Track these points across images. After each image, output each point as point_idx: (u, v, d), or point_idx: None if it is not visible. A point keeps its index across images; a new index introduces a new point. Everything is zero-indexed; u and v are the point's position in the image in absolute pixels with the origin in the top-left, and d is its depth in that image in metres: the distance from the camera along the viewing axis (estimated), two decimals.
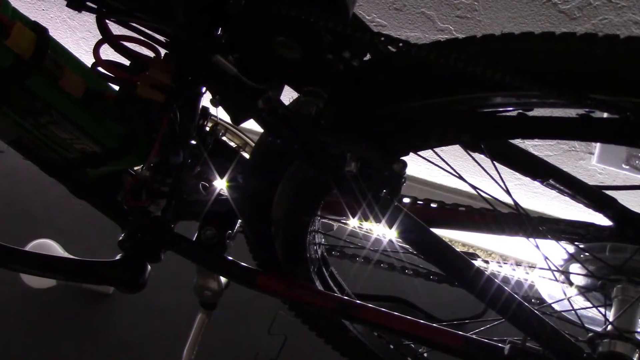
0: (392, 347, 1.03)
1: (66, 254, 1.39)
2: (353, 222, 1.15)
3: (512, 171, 0.78)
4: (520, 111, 0.59)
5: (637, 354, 0.74)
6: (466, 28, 1.12)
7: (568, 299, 0.89)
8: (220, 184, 0.86)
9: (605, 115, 0.56)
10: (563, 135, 0.63)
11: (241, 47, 0.63)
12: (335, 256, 1.00)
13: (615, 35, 0.49)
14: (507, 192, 0.71)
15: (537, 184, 0.79)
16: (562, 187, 0.78)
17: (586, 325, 0.85)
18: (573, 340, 0.73)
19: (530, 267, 1.11)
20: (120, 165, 0.83)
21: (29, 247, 1.36)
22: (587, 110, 0.55)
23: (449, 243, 0.72)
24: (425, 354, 1.05)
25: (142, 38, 0.70)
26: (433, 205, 0.86)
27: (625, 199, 0.80)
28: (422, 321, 0.81)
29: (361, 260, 1.02)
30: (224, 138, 0.87)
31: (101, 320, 1.48)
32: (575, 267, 0.87)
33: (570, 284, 0.88)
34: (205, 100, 0.75)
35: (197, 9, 0.61)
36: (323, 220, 0.89)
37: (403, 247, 0.94)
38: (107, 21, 0.69)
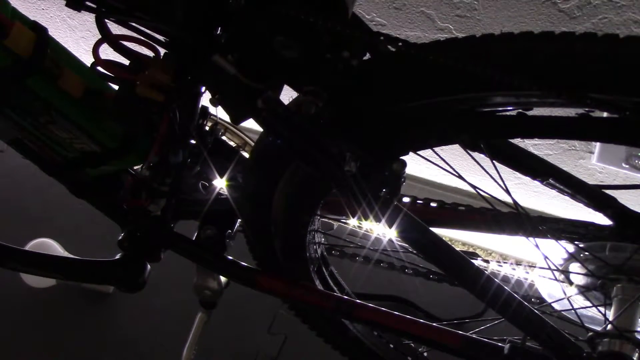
0: (392, 346, 1.03)
1: (66, 253, 1.39)
2: (353, 222, 1.15)
3: (511, 170, 0.78)
4: (520, 110, 0.59)
5: (637, 353, 0.74)
6: (466, 27, 1.12)
7: (568, 299, 0.89)
8: (220, 184, 0.86)
9: (604, 114, 0.56)
10: (563, 134, 0.63)
11: (240, 46, 0.63)
12: (335, 255, 1.00)
13: (614, 34, 0.49)
14: (507, 191, 0.71)
15: (537, 183, 0.79)
16: (562, 186, 0.78)
17: (586, 324, 0.85)
18: (573, 340, 0.73)
19: (530, 266, 1.11)
20: (119, 165, 0.83)
21: (29, 246, 1.36)
22: (586, 109, 0.55)
23: (449, 242, 0.72)
24: (425, 354, 1.05)
25: (142, 38, 0.70)
26: (433, 204, 0.86)
27: (625, 198, 0.80)
28: (422, 320, 0.81)
29: (361, 259, 1.02)
30: (223, 137, 0.87)
31: (101, 320, 1.48)
32: (575, 267, 0.86)
33: (570, 283, 0.88)
34: (205, 99, 0.74)
35: (196, 8, 0.61)
36: (323, 219, 0.89)
37: (403, 246, 0.94)
38: (106, 21, 0.69)
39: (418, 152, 0.68)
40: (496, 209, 0.80)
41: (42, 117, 0.73)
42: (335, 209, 0.86)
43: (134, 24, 0.68)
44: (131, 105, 0.72)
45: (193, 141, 0.82)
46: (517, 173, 0.78)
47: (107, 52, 0.70)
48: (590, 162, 1.25)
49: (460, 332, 0.80)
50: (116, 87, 0.73)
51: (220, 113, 0.73)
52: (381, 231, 1.03)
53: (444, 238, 0.71)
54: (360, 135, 0.64)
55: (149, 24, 0.67)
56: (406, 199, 0.87)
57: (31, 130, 0.75)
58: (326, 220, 0.90)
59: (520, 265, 1.27)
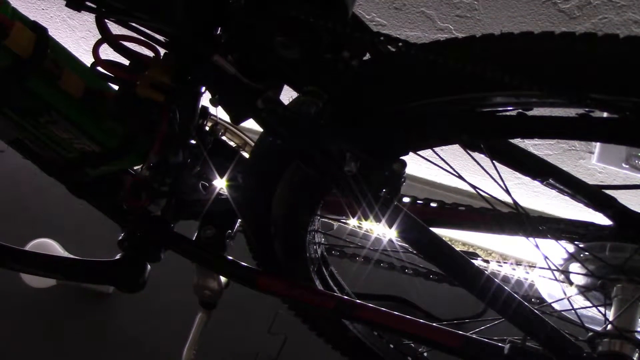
0: (392, 346, 1.03)
1: (66, 254, 1.39)
2: (353, 222, 1.15)
3: (512, 170, 0.78)
4: (520, 111, 0.59)
5: (637, 354, 0.74)
6: (466, 27, 1.12)
7: (568, 299, 0.89)
8: (220, 184, 0.86)
9: (604, 114, 0.56)
10: (563, 134, 0.63)
11: (241, 46, 0.63)
12: (335, 255, 1.00)
13: (614, 34, 0.49)
14: (507, 191, 0.71)
15: (537, 183, 0.79)
16: (562, 187, 0.78)
17: (586, 324, 0.85)
18: (573, 340, 0.73)
19: (530, 266, 1.11)
20: (120, 165, 0.83)
21: (29, 246, 1.36)
22: (586, 109, 0.55)
23: (449, 242, 0.72)
24: (425, 354, 1.05)
25: (142, 38, 0.70)
26: (433, 204, 0.86)
27: (625, 198, 0.80)
28: (421, 321, 0.81)
29: (361, 259, 1.01)
30: (223, 137, 0.87)
31: (101, 320, 1.48)
32: (575, 267, 0.86)
33: (570, 283, 0.88)
34: (205, 99, 0.74)
35: (196, 8, 0.61)
36: (323, 219, 0.89)
37: (403, 246, 0.94)
38: (106, 21, 0.69)
39: (418, 152, 0.68)
40: (496, 209, 0.80)
41: (42, 117, 0.73)
42: (335, 209, 0.86)
43: (134, 24, 0.68)
44: (131, 105, 0.72)
45: (193, 141, 0.82)
46: (517, 173, 0.78)
47: (107, 52, 0.71)
48: (590, 162, 1.25)
49: (460, 332, 0.80)
50: (116, 87, 0.73)
51: (220, 113, 0.73)
52: (381, 231, 1.03)
53: (444, 238, 0.71)
54: (360, 135, 0.64)
55: (149, 24, 0.67)
56: (406, 199, 0.87)
57: (31, 130, 0.75)
58: (326, 220, 0.90)
59: (520, 265, 1.27)
